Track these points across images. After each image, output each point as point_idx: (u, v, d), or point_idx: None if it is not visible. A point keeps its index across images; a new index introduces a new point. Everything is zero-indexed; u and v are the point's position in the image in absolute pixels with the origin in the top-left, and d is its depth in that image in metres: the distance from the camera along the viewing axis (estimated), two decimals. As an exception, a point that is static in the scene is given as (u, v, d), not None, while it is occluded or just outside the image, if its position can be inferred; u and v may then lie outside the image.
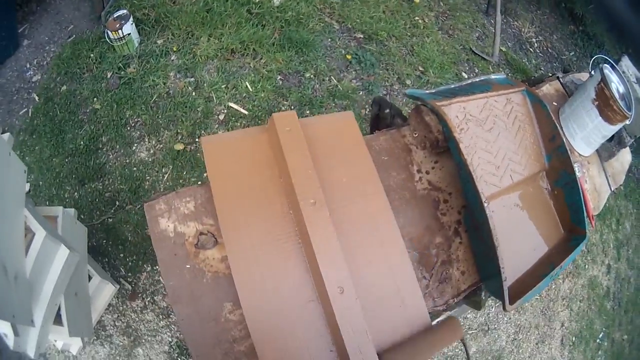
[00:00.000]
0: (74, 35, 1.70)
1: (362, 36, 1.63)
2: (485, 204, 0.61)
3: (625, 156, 1.11)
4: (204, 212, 0.62)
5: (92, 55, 1.59)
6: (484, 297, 0.80)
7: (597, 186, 0.95)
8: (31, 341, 0.96)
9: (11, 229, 0.86)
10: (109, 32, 1.52)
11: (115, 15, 1.54)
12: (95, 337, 1.32)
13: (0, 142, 0.82)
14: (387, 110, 0.81)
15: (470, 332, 1.36)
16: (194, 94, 1.43)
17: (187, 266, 0.60)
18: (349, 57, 1.55)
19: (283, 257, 0.58)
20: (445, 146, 0.71)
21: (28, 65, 1.70)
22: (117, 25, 1.50)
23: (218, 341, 0.58)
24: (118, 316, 1.31)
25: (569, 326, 1.62)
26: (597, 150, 0.96)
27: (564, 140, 0.75)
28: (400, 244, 0.63)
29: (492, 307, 1.40)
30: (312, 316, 0.57)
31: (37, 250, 0.90)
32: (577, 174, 0.76)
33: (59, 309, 1.03)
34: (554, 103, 0.94)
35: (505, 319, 1.43)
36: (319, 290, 0.57)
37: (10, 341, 0.91)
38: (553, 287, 1.54)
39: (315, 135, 0.63)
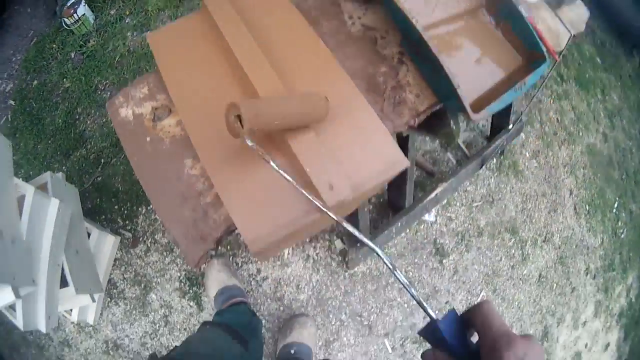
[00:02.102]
0: (35, 38, 1.88)
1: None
2: (415, 22, 0.68)
3: (580, 9, 1.20)
4: (156, 91, 0.73)
5: (54, 46, 1.76)
6: (454, 127, 0.85)
7: (552, 27, 1.03)
8: (40, 311, 1.01)
9: (3, 196, 0.96)
10: (65, 20, 1.70)
11: (68, 4, 1.71)
12: (108, 298, 1.39)
13: None
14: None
15: (475, 204, 1.44)
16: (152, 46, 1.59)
17: (147, 139, 0.69)
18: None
19: (228, 101, 0.68)
20: (369, -9, 0.81)
21: None
22: (72, 11, 1.68)
23: (184, 199, 0.64)
24: (125, 268, 1.40)
25: (578, 194, 1.68)
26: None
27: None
28: (342, 72, 0.69)
29: (491, 178, 1.48)
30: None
31: (29, 209, 0.99)
32: (523, 13, 0.84)
33: (63, 270, 1.11)
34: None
35: (508, 188, 1.50)
36: None
37: (17, 316, 0.98)
38: (550, 154, 1.62)
39: (242, 3, 0.73)
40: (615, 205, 1.88)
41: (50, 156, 1.58)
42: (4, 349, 1.49)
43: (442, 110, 0.82)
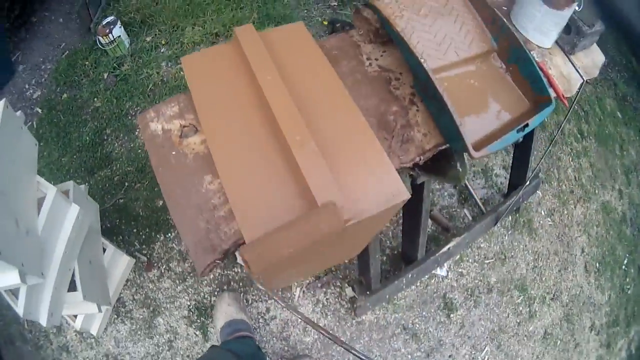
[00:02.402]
0: (67, 51, 1.92)
1: (335, 3, 1.82)
2: (423, 62, 0.72)
3: (596, 54, 1.21)
4: (186, 110, 0.78)
5: (87, 62, 1.79)
6: (460, 169, 0.87)
7: (564, 73, 1.05)
8: (43, 304, 1.01)
9: (24, 190, 0.98)
10: (100, 39, 1.72)
11: (103, 23, 1.74)
12: (115, 315, 1.41)
13: (13, 118, 0.98)
14: (338, 24, 0.95)
15: (487, 261, 1.43)
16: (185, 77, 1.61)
17: (173, 153, 0.75)
18: (325, 22, 1.73)
19: (249, 128, 0.72)
20: (386, 34, 0.84)
21: (27, 86, 1.90)
22: (107, 31, 1.71)
23: (200, 210, 0.69)
24: (136, 289, 1.42)
25: (589, 252, 1.67)
26: (558, 44, 1.06)
27: (504, 20, 0.85)
28: (355, 108, 0.74)
29: (505, 236, 1.47)
30: (279, 171, 0.68)
31: (48, 208, 1.00)
32: (536, 58, 0.86)
33: (73, 275, 1.11)
34: (504, 8, 1.06)
35: (521, 246, 1.50)
36: (281, 145, 0.69)
37: (19, 302, 0.96)
38: (565, 212, 1.61)
39: (271, 39, 0.79)
40: (625, 262, 1.86)
41: (74, 170, 1.61)
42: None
43: (449, 152, 0.84)
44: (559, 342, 1.64)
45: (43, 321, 1.01)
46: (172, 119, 0.77)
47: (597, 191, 1.73)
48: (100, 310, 1.21)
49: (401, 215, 1.29)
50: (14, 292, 1.04)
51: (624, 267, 1.86)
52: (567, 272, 1.60)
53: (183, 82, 1.60)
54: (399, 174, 0.70)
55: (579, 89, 0.97)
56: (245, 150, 0.69)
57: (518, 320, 1.49)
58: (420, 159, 0.79)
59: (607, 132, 1.87)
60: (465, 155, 0.82)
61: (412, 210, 1.21)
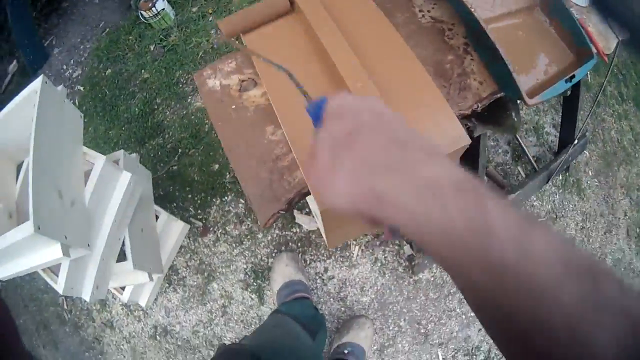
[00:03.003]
0: (108, 29, 1.91)
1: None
2: (474, 11, 0.74)
3: None
4: (244, 66, 0.78)
5: (130, 37, 1.79)
6: (515, 119, 0.88)
7: (601, 31, 1.04)
8: (88, 278, 0.96)
9: (69, 160, 0.96)
10: (143, 13, 1.71)
11: (146, -2, 1.73)
12: (167, 284, 1.41)
13: (54, 92, 0.98)
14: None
15: (540, 219, 1.42)
16: (237, 42, 1.60)
17: (233, 107, 0.74)
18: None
19: (310, 77, 0.71)
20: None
21: (64, 67, 1.90)
22: (150, 5, 1.70)
23: (263, 161, 0.69)
24: (190, 256, 1.42)
25: (631, 216, 1.66)
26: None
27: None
28: (413, 56, 0.74)
29: (556, 195, 1.46)
30: None
31: (96, 177, 0.98)
32: (575, 15, 0.86)
33: (123, 246, 1.08)
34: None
35: (571, 206, 1.48)
36: (337, 87, 0.68)
37: (60, 278, 0.90)
38: (610, 174, 1.60)
39: None
40: (664, 230, 1.85)
41: (123, 142, 1.61)
42: (31, 325, 1.49)
43: (504, 101, 0.85)
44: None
45: (86, 295, 0.97)
46: (230, 74, 0.77)
47: (637, 155, 1.71)
48: (151, 279, 1.18)
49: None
50: (54, 271, 1.00)
51: (662, 234, 1.85)
52: (611, 235, 1.59)
53: (234, 49, 1.59)
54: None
55: (616, 47, 0.97)
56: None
57: (567, 281, 1.49)
58: (477, 107, 0.79)
59: (645, 99, 1.85)
60: (520, 104, 0.85)
61: (468, 166, 1.20)
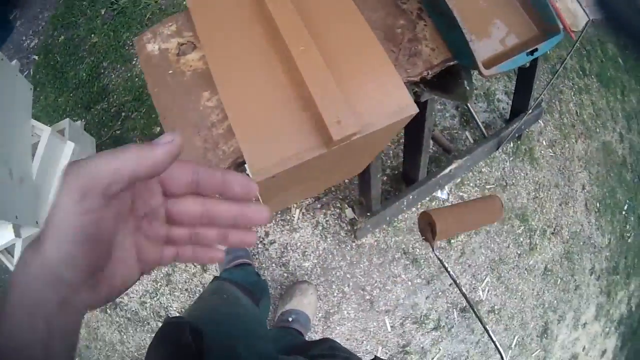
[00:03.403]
0: (66, -4, 1.84)
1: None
2: None
3: None
4: (184, 28, 0.72)
5: (84, 3, 1.73)
6: (467, 87, 0.83)
7: (570, 8, 1.00)
8: None
9: (19, 136, 0.94)
10: (98, -22, 1.66)
11: (100, -37, 1.68)
12: None
13: (8, 66, 0.95)
14: None
15: (488, 187, 1.38)
16: (184, 2, 1.55)
17: (170, 72, 0.69)
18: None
19: (250, 40, 0.66)
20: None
21: (24, 38, 1.84)
22: (105, -31, 1.64)
23: (198, 129, 0.65)
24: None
25: (590, 190, 1.62)
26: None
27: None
28: (362, 19, 0.68)
29: (507, 162, 1.42)
30: (281, 83, 0.63)
31: (42, 150, 0.97)
32: None
33: None
34: None
35: (522, 174, 1.44)
36: (284, 56, 0.63)
37: (15, 256, 0.93)
38: (566, 145, 1.56)
39: None
40: (625, 207, 1.81)
41: (71, 109, 1.56)
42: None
43: (457, 69, 0.80)
44: (559, 280, 1.59)
45: None
46: (170, 37, 0.72)
47: (598, 130, 1.68)
48: None
49: (403, 134, 1.23)
50: (10, 251, 0.99)
51: (624, 212, 1.81)
52: (567, 207, 1.55)
53: (182, 9, 1.54)
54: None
55: (585, 26, 0.93)
56: (245, 62, 0.64)
57: (519, 252, 1.45)
58: (428, 74, 0.75)
59: (609, 74, 1.81)
60: (474, 73, 0.80)
61: (414, 129, 1.16)
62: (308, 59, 0.60)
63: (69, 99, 1.57)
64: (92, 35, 1.62)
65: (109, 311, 1.38)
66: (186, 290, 1.35)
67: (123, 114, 1.45)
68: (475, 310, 0.44)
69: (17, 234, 0.84)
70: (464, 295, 0.45)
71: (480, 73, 0.69)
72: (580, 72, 1.68)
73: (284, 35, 0.61)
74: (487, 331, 0.43)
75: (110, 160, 0.24)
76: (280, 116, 0.60)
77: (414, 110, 0.63)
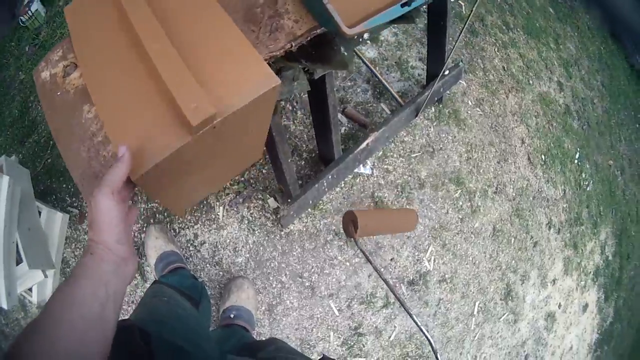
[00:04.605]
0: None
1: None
2: None
3: None
4: (68, 51, 0.75)
5: (12, 43, 1.75)
6: (345, 53, 0.80)
7: None
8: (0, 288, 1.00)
9: None
10: (22, 18, 1.68)
11: (24, 3, 1.70)
12: (63, 277, 1.36)
13: None
14: None
15: (414, 155, 1.33)
16: None
17: (58, 93, 0.72)
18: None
19: (116, 47, 0.68)
20: None
21: None
22: (27, 9, 1.67)
23: (82, 141, 0.67)
24: (75, 245, 1.36)
25: (531, 143, 1.56)
26: None
27: None
28: (217, 6, 0.68)
29: (430, 128, 1.37)
30: (142, 80, 0.64)
31: None
32: None
33: (17, 247, 1.09)
34: None
35: (450, 137, 1.39)
36: (143, 56, 0.64)
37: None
38: (496, 102, 1.50)
39: None
40: (577, 156, 1.74)
41: (9, 145, 1.56)
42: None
43: (330, 37, 0.77)
44: (513, 239, 1.52)
45: (4, 304, 1.00)
46: (57, 62, 0.75)
47: (531, 82, 1.61)
48: (46, 276, 1.19)
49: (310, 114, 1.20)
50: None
51: (576, 161, 1.74)
52: (507, 163, 1.49)
53: None
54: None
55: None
56: (113, 71, 0.66)
57: (460, 216, 1.39)
58: (292, 45, 0.73)
59: (538, 25, 1.75)
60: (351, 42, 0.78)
61: (319, 108, 1.12)
62: (163, 55, 0.61)
63: (6, 137, 1.58)
64: (20, 72, 1.63)
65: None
66: (132, 302, 1.33)
67: (51, 142, 1.44)
68: (397, 296, 0.47)
69: None
70: (390, 286, 0.47)
71: (341, 33, 0.67)
72: (504, 27, 1.62)
73: (142, 38, 0.62)
74: (412, 318, 0.47)
75: (113, 172, 0.48)
76: (146, 114, 0.61)
77: (275, 81, 0.62)
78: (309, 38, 0.75)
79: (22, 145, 1.53)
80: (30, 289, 1.26)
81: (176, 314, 0.82)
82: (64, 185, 1.40)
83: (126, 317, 0.79)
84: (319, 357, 0.59)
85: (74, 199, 1.38)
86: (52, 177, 1.42)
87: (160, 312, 0.81)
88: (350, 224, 0.56)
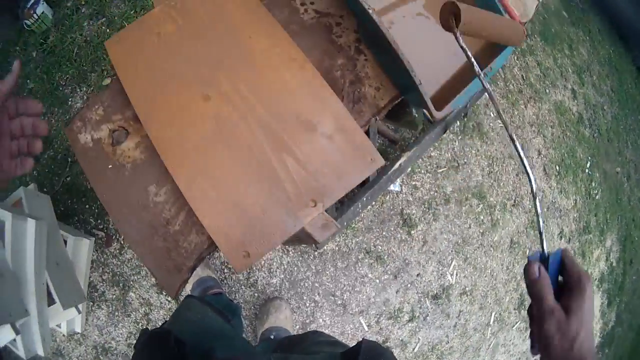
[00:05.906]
0: (1, 44, 1.74)
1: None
2: (371, 11, 0.57)
3: None
4: (111, 111, 0.64)
5: (17, 47, 1.63)
6: (416, 115, 0.78)
7: None
8: (35, 335, 0.96)
9: None
10: (26, 21, 1.56)
11: (28, 6, 1.58)
12: (91, 302, 1.33)
13: None
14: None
15: (440, 170, 1.33)
16: (108, 30, 1.46)
17: (109, 167, 0.62)
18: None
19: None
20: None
21: None
22: (32, 12, 1.55)
23: (154, 228, 0.59)
24: (103, 269, 1.32)
25: (547, 154, 1.57)
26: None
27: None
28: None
29: (456, 142, 1.36)
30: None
31: (10, 237, 0.92)
32: None
33: (48, 287, 1.04)
34: None
35: (473, 151, 1.39)
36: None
37: (19, 347, 0.92)
38: (516, 113, 1.50)
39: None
40: (588, 165, 1.76)
41: (22, 162, 1.49)
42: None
43: (403, 100, 0.71)
44: (528, 251, 1.55)
45: (41, 351, 0.96)
46: (100, 124, 0.64)
47: (547, 90, 1.60)
48: (79, 312, 1.14)
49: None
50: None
51: (587, 170, 1.76)
52: (525, 176, 1.50)
53: (106, 38, 1.45)
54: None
55: (535, 10, 0.83)
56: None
57: (481, 230, 1.41)
58: (375, 119, 0.67)
59: (554, 30, 1.72)
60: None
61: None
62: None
63: (18, 151, 1.51)
64: (28, 81, 1.53)
65: (101, 357, 1.36)
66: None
67: (69, 159, 1.38)
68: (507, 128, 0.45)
69: (17, 331, 0.82)
70: (505, 124, 0.45)
71: (431, 117, 0.64)
72: (523, 37, 1.60)
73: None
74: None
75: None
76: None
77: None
78: (389, 109, 0.69)
79: (36, 162, 1.45)
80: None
81: (210, 326, 0.83)
82: (87, 206, 1.35)
83: (162, 325, 0.80)
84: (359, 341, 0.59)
85: (99, 220, 1.33)
86: (72, 196, 1.37)
87: (195, 323, 0.81)
88: (452, 17, 0.49)
